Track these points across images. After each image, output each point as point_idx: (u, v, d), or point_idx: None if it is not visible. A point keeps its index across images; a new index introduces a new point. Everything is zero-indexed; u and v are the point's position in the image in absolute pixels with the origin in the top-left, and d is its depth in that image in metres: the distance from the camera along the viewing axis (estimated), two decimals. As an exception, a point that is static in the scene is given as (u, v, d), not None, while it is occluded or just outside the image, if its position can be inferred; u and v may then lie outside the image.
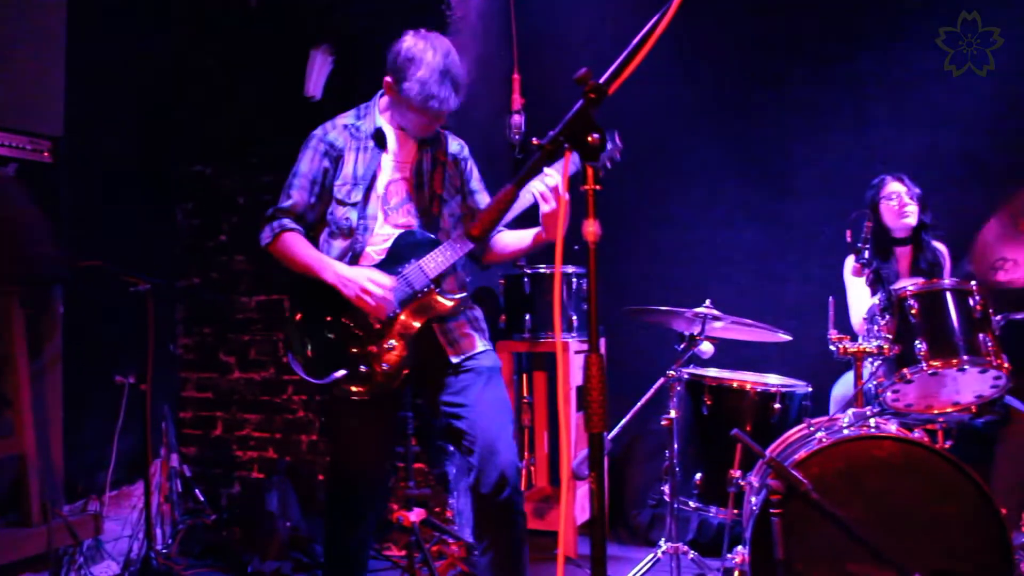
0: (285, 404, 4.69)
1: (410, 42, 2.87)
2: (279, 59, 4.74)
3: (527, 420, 4.60)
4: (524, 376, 4.61)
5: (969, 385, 3.10)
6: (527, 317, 4.21)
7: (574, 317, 4.25)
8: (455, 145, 3.15)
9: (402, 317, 2.92)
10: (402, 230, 2.97)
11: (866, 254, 3.17)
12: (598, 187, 1.46)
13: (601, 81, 1.49)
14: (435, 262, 2.89)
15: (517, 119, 4.82)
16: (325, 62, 4.54)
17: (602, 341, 4.56)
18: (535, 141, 1.45)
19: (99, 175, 4.19)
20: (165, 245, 4.87)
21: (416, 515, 3.77)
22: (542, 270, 4.25)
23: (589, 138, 1.45)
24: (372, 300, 2.84)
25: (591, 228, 1.46)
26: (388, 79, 2.91)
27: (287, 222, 3.03)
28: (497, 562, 2.95)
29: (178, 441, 4.72)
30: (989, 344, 2.98)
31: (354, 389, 2.93)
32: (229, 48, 4.89)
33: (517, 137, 4.86)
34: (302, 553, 4.15)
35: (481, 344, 3.05)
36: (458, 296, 2.98)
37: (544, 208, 2.79)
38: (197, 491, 4.57)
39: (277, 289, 4.73)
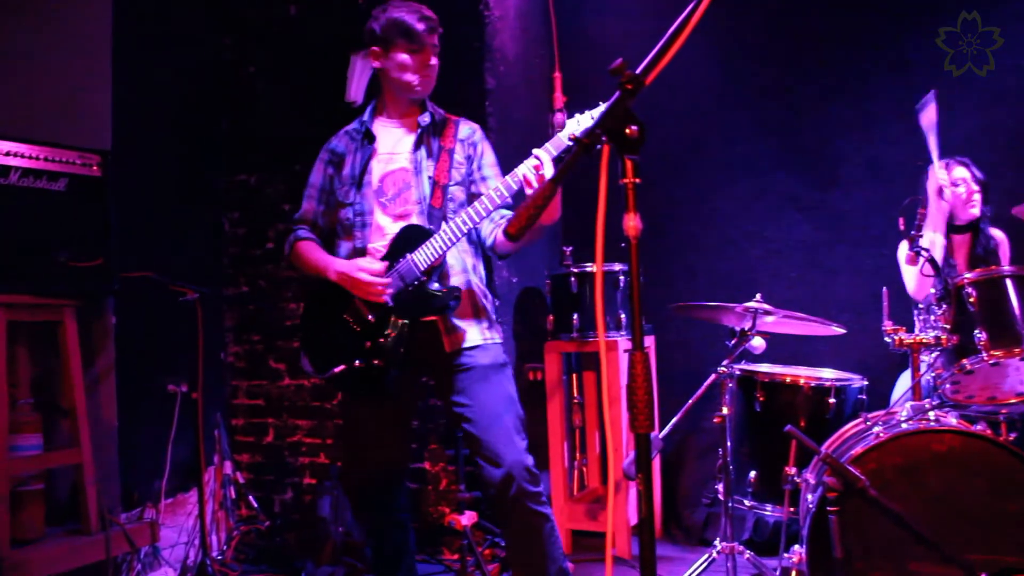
0: (335, 410, 4.71)
1: (379, 12, 3.07)
2: (320, 66, 4.76)
3: (578, 421, 4.55)
4: (573, 376, 4.57)
5: (1033, 375, 3.01)
6: (575, 316, 4.17)
7: (622, 315, 4.21)
8: (466, 129, 3.15)
9: (395, 310, 2.93)
10: (402, 222, 2.99)
11: (919, 241, 3.08)
12: (638, 180, 1.43)
13: (638, 72, 1.45)
14: (426, 254, 2.89)
15: (560, 117, 4.78)
16: (366, 67, 4.54)
17: (651, 339, 4.58)
18: (572, 136, 1.42)
19: (147, 187, 4.23)
20: (212, 255, 4.91)
21: (468, 518, 3.75)
22: (588, 268, 4.21)
23: (627, 130, 1.42)
24: (365, 277, 2.88)
25: (632, 223, 1.42)
26: (375, 49, 3.05)
27: (302, 232, 3.18)
28: (513, 559, 2.99)
29: (231, 448, 4.76)
30: (1054, 332, 2.89)
31: (352, 383, 2.99)
32: (271, 56, 4.92)
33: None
34: (355, 558, 4.16)
35: (478, 336, 3.03)
36: (449, 287, 2.97)
37: (528, 191, 2.78)
38: (251, 498, 4.60)
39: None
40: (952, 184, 3.88)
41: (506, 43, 4.71)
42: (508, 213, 3.09)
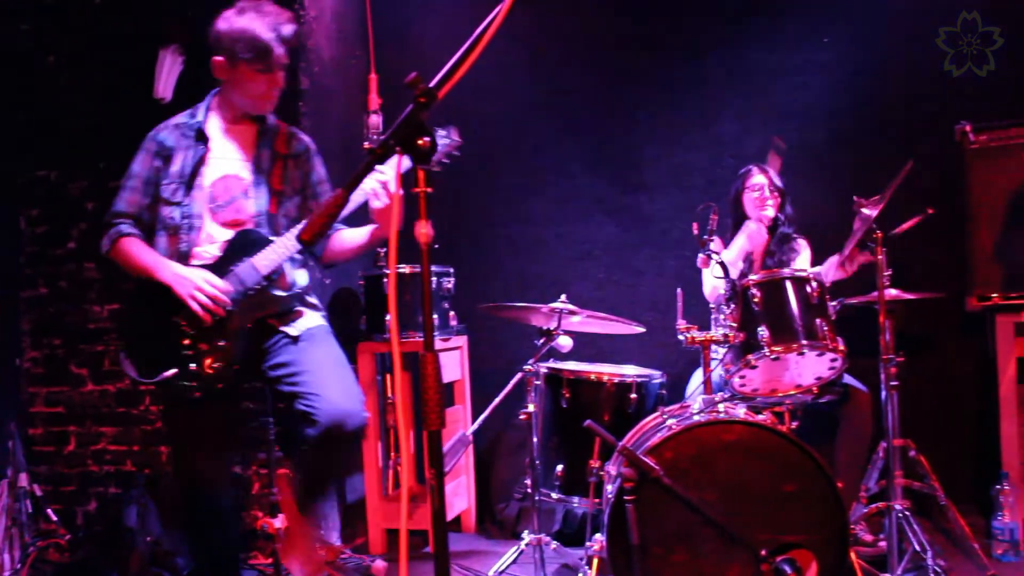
0: (143, 415, 4.55)
1: (232, 15, 2.91)
2: (126, 58, 4.58)
3: (392, 420, 4.59)
4: (387, 376, 4.60)
5: (809, 368, 3.26)
6: (387, 317, 4.21)
7: (435, 316, 4.26)
8: (298, 142, 3.14)
9: (235, 315, 2.90)
10: (233, 229, 2.95)
11: (711, 246, 3.29)
12: (429, 189, 1.49)
13: (431, 85, 1.51)
14: (268, 259, 2.89)
15: (375, 119, 4.79)
16: (175, 63, 4.42)
17: (464, 339, 4.66)
18: (366, 145, 1.46)
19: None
20: (7, 254, 4.65)
21: (281, 521, 3.72)
22: (403, 269, 4.25)
23: (419, 141, 1.48)
24: (202, 300, 2.83)
25: (423, 230, 1.48)
26: (219, 59, 2.93)
27: (124, 227, 3.03)
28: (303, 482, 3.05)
29: (27, 460, 4.52)
30: (825, 328, 3.14)
31: (186, 386, 2.92)
32: (73, 45, 4.70)
33: (375, 138, 4.85)
34: (164, 568, 4.03)
35: (318, 318, 3.07)
36: (290, 292, 2.98)
37: (375, 204, 2.82)
38: (49, 511, 4.38)
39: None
40: (751, 189, 4.16)
41: (321, 43, 4.68)
42: (342, 227, 3.12)
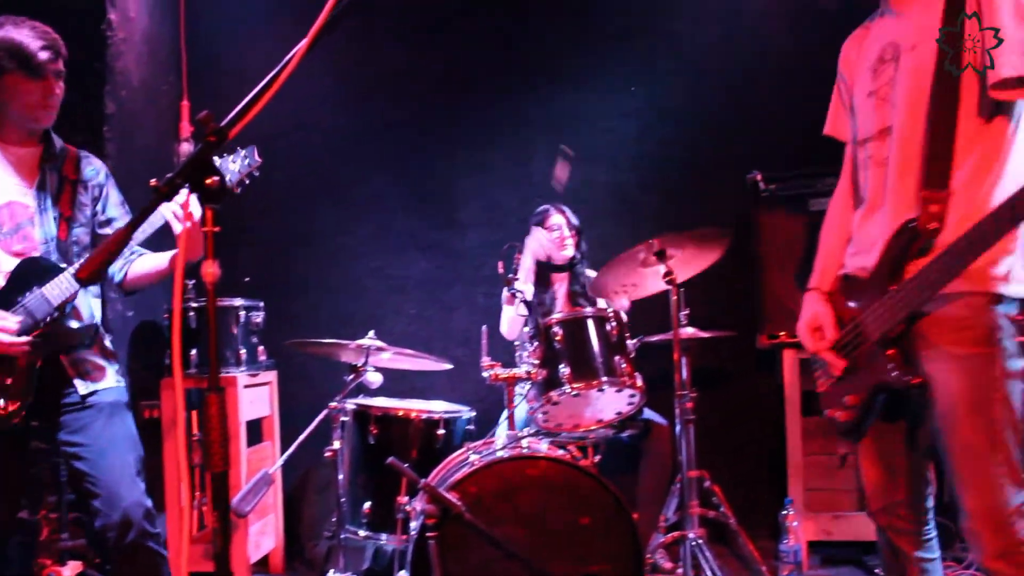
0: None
1: None
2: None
3: (198, 459, 4.44)
4: (193, 413, 4.45)
5: (609, 403, 3.39)
6: (193, 352, 4.09)
7: (243, 351, 4.17)
8: (90, 167, 3.03)
9: (25, 348, 2.75)
10: (20, 258, 2.81)
11: (517, 285, 3.37)
12: (217, 228, 1.48)
13: (222, 124, 1.51)
14: (59, 289, 2.76)
15: (186, 147, 4.69)
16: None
17: (273, 374, 4.58)
18: (153, 183, 1.44)
19: None
20: None
21: (71, 569, 3.54)
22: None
23: (208, 180, 1.47)
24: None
25: (210, 269, 1.47)
26: None
27: None
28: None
29: None
30: (624, 365, 3.28)
31: None
32: None
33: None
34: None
35: (112, 378, 2.96)
36: (86, 324, 2.86)
37: (176, 228, 2.76)
38: None
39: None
40: (549, 229, 4.29)
41: (131, 67, 4.53)
42: (141, 250, 3.01)
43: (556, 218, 4.32)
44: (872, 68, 2.29)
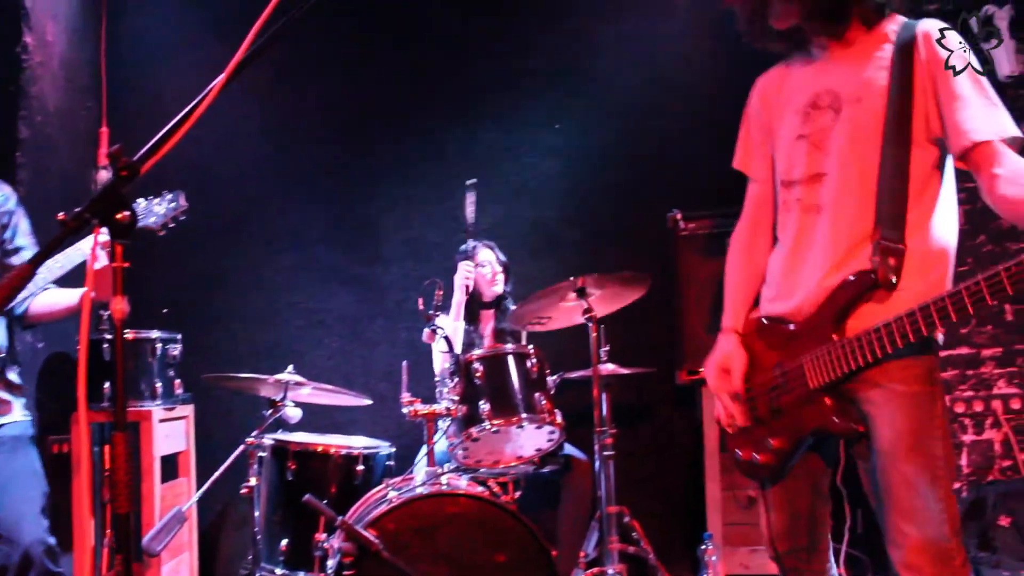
0: None
1: None
2: None
3: (108, 495, 4.31)
4: (106, 448, 4.33)
5: (529, 440, 3.40)
6: (107, 385, 3.98)
7: (159, 384, 4.08)
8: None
9: None
10: None
11: (437, 321, 3.38)
12: (126, 264, 1.46)
13: (135, 159, 1.49)
14: None
15: (103, 174, 4.60)
16: None
17: (190, 408, 4.49)
18: (61, 216, 1.41)
19: None
20: None
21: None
22: (125, 335, 4.04)
23: (119, 215, 1.45)
24: None
25: (119, 306, 1.45)
26: None
27: None
28: None
29: None
30: (544, 402, 3.30)
31: None
32: None
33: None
34: None
35: (19, 412, 2.89)
36: None
37: (91, 266, 2.71)
38: None
39: None
40: (479, 265, 4.31)
41: (47, 91, 4.43)
42: (51, 286, 2.95)
43: (485, 254, 4.36)
44: (802, 111, 2.28)
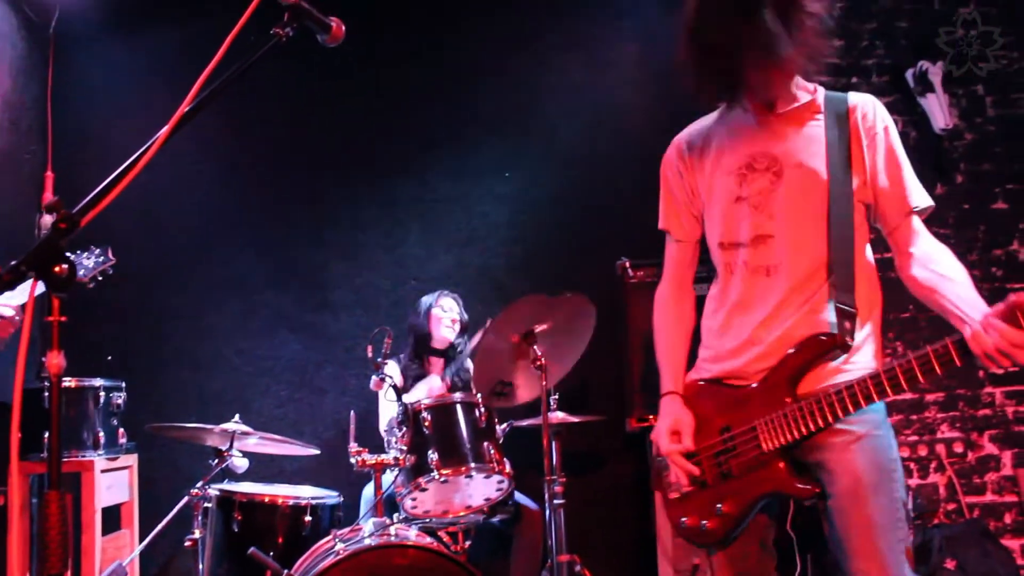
0: None
1: None
2: None
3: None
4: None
5: (478, 489, 3.38)
6: (46, 435, 3.89)
7: (101, 433, 3.99)
8: None
9: None
10: None
11: (386, 369, 3.36)
12: (63, 319, 1.43)
13: (74, 212, 1.47)
14: None
15: (47, 219, 4.54)
16: None
17: (133, 457, 4.39)
18: (-8, 271, 1.39)
19: None
20: None
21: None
22: (67, 383, 3.97)
23: (56, 268, 1.43)
24: None
25: (55, 360, 1.42)
26: None
27: None
28: None
29: None
30: (492, 452, 3.29)
31: None
32: None
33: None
34: None
35: None
36: None
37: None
38: None
39: None
40: (440, 308, 4.37)
41: (-11, 133, 4.39)
42: None
43: (448, 301, 4.44)
44: (737, 173, 2.28)
